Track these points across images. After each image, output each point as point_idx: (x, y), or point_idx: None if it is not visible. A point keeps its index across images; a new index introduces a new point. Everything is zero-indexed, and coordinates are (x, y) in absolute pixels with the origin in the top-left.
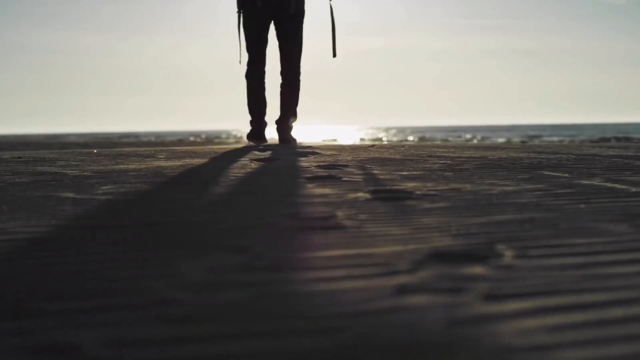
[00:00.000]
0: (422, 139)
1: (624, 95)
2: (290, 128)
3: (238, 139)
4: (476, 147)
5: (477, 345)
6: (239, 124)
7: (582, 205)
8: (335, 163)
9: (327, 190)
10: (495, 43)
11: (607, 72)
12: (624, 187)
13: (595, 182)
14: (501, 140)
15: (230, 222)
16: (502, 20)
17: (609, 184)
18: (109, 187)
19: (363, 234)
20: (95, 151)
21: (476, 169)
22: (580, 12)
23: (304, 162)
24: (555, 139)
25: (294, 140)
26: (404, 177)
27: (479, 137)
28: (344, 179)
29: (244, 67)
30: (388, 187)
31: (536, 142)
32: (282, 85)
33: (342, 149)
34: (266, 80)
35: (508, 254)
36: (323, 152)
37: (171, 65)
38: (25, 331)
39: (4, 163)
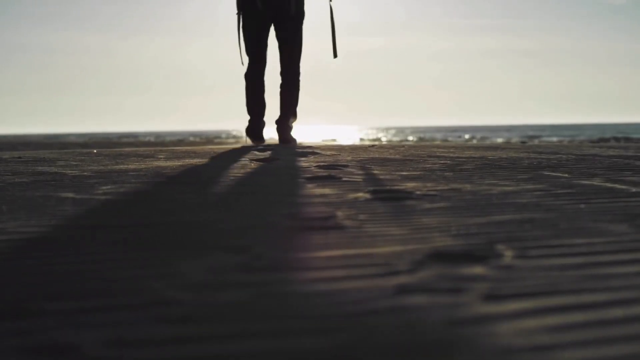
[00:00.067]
0: (421, 139)
1: (624, 95)
2: (290, 128)
3: (237, 139)
4: (476, 147)
5: (477, 345)
6: (239, 124)
7: (582, 206)
8: (335, 163)
9: (327, 191)
10: (495, 43)
11: (607, 72)
12: (624, 187)
13: (595, 182)
14: (500, 140)
15: (230, 222)
16: (502, 20)
17: (609, 184)
18: (108, 187)
19: (363, 234)
20: (95, 151)
21: (476, 169)
22: (580, 12)
23: (304, 162)
24: (554, 139)
25: (294, 140)
26: (404, 177)
27: (478, 137)
28: (344, 179)
29: (244, 67)
30: (388, 187)
31: (536, 142)
32: (281, 86)
33: (341, 149)
34: (266, 80)
35: (508, 254)
36: (323, 152)
37: (171, 65)
38: (25, 331)
39: (4, 163)
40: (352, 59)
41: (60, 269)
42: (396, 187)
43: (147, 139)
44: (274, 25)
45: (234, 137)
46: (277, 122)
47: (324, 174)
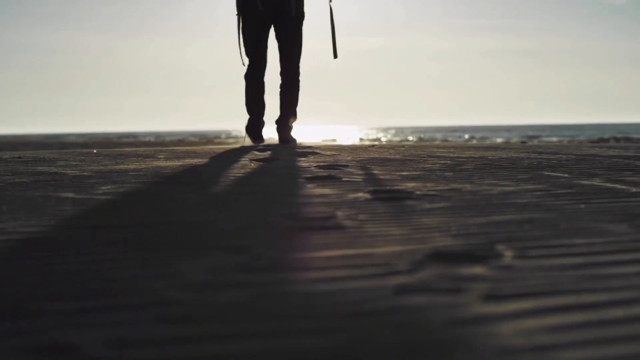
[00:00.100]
0: (421, 139)
1: (624, 95)
2: (290, 128)
3: (237, 139)
4: (476, 147)
5: (477, 345)
6: (239, 124)
7: (582, 206)
8: (335, 163)
9: (327, 191)
10: (495, 43)
11: (607, 72)
12: (624, 187)
13: (596, 182)
14: (500, 140)
15: (230, 222)
16: (502, 20)
17: (609, 184)
18: (108, 187)
19: (363, 234)
20: (95, 151)
21: (476, 169)
22: (580, 12)
23: (304, 162)
24: (554, 139)
25: (294, 140)
26: (404, 177)
27: (478, 137)
28: (344, 179)
29: (244, 68)
30: (388, 187)
31: (535, 142)
32: (281, 86)
33: (341, 149)
34: (266, 80)
35: (508, 254)
36: (323, 152)
37: (171, 65)
38: (25, 331)
39: (4, 163)
40: (352, 59)
41: (60, 269)
42: (396, 187)
43: (147, 139)
44: (274, 26)
45: (234, 137)
46: (277, 122)
47: (324, 174)
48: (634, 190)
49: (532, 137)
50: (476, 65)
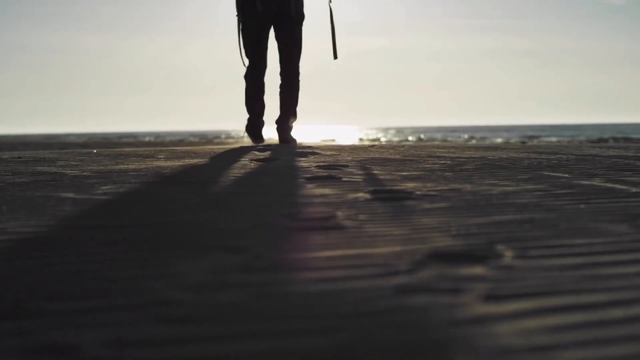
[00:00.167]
0: (420, 139)
1: (624, 95)
2: (290, 128)
3: (237, 140)
4: (476, 148)
5: (477, 345)
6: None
7: (582, 206)
8: (335, 163)
9: (327, 191)
10: (495, 43)
11: (607, 72)
12: (624, 187)
13: (596, 182)
14: (500, 140)
15: (230, 222)
16: (502, 20)
17: (609, 184)
18: (108, 187)
19: (363, 234)
20: (95, 151)
21: (476, 170)
22: (580, 12)
23: (304, 162)
24: (554, 139)
25: (294, 140)
26: (404, 177)
27: (477, 137)
28: (344, 179)
29: (244, 68)
30: (388, 188)
31: (535, 142)
32: (281, 86)
33: (341, 149)
34: (266, 80)
35: (508, 255)
36: (323, 152)
37: (171, 65)
38: (25, 331)
39: (4, 163)
40: (352, 59)
41: (60, 269)
42: (396, 187)
43: (147, 139)
44: (274, 27)
45: (234, 137)
46: (277, 122)
47: (324, 174)
48: (634, 190)
49: (532, 137)
50: (476, 65)
